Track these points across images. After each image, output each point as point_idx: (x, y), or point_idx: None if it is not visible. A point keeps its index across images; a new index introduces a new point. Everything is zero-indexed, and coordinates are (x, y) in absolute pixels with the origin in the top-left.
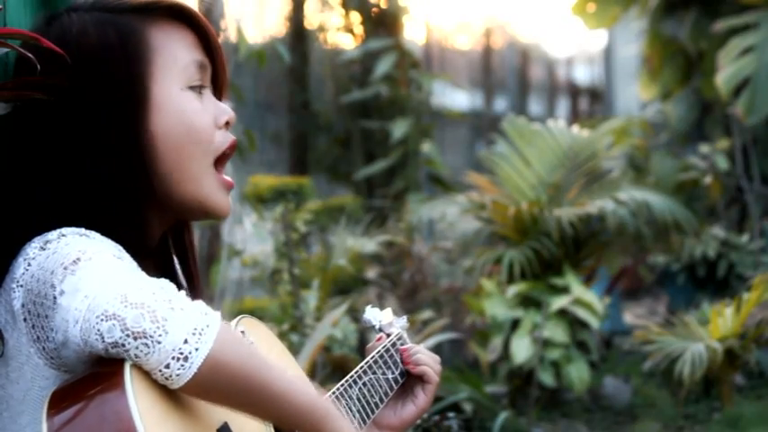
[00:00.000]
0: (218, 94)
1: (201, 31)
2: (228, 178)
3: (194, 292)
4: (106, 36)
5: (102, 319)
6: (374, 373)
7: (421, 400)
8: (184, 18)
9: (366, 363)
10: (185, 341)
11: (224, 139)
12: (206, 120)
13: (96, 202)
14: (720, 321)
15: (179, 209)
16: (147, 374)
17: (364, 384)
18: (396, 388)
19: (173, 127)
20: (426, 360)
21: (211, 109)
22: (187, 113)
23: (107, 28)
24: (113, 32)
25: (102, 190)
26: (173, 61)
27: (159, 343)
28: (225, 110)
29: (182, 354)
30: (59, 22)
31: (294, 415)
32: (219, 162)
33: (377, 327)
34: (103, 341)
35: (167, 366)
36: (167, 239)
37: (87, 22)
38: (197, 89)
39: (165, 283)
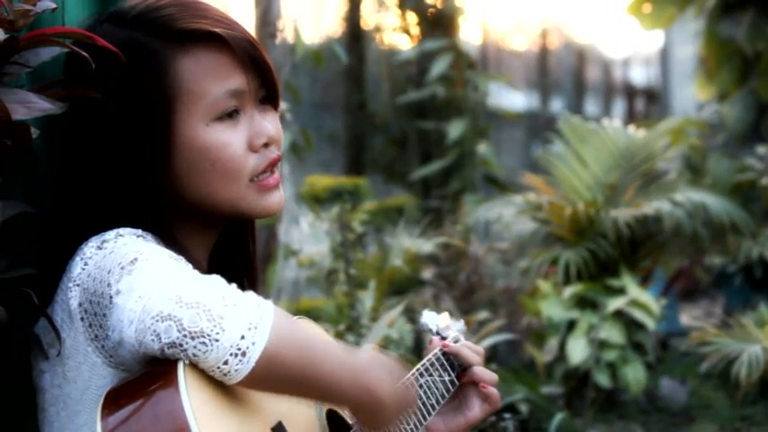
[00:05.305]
0: (272, 102)
1: (242, 51)
2: (273, 179)
3: (254, 288)
4: (135, 65)
5: (157, 320)
6: (431, 375)
7: (474, 412)
8: (222, 41)
9: (423, 365)
10: (242, 337)
11: (260, 161)
12: (233, 151)
13: (143, 208)
14: None
15: (224, 218)
16: (200, 372)
17: (421, 386)
18: (452, 391)
19: (197, 163)
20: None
21: (246, 134)
22: (212, 150)
23: (138, 56)
24: (143, 63)
25: (141, 201)
26: (201, 96)
27: (217, 341)
28: (263, 131)
29: (239, 350)
30: (95, 33)
31: (350, 396)
32: (262, 173)
33: (434, 330)
34: (160, 341)
35: (225, 363)
36: (230, 233)
37: (119, 44)
38: (229, 116)
39: (215, 278)
